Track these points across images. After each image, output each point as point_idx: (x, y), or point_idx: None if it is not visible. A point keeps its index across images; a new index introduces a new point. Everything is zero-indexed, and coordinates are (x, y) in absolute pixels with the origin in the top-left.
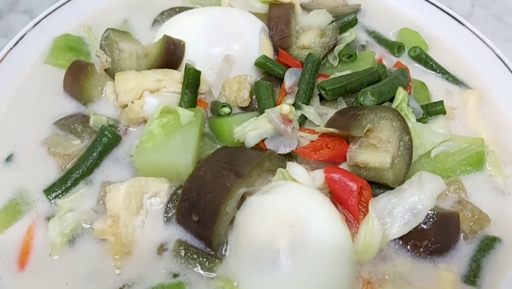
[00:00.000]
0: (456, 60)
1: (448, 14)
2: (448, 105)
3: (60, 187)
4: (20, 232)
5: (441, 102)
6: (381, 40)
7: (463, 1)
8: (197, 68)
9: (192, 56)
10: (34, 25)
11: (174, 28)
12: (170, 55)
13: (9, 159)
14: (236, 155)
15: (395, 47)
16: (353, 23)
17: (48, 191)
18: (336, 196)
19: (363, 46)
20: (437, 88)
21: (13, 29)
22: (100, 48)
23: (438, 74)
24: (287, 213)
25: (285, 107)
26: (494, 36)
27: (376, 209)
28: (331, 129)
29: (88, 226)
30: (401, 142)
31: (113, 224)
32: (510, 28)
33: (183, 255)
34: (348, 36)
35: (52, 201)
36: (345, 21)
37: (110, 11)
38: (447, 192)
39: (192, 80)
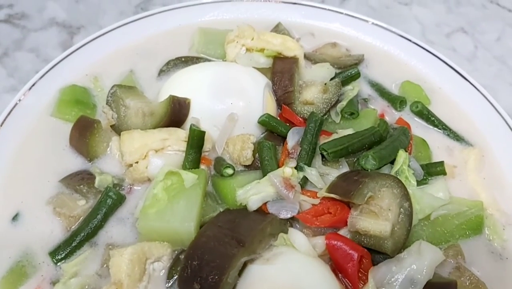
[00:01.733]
0: (457, 114)
1: (450, 67)
2: (449, 163)
3: (65, 250)
4: None
5: (441, 163)
6: (383, 93)
7: (467, 43)
8: (202, 125)
9: (196, 112)
10: (41, 77)
11: (180, 84)
12: (175, 114)
13: (15, 218)
14: (238, 220)
15: (397, 102)
16: (355, 77)
17: (53, 254)
18: (336, 263)
19: (365, 100)
20: (438, 145)
21: (19, 68)
22: (107, 104)
23: (439, 130)
24: (287, 286)
25: (288, 170)
26: (497, 80)
27: (375, 278)
28: (333, 195)
29: None
30: (401, 209)
31: None
32: None
33: None
34: (351, 90)
35: (57, 265)
36: (348, 75)
37: (116, 60)
38: (445, 258)
39: (197, 140)
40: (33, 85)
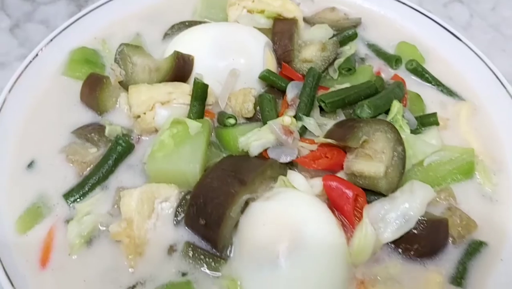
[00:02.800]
0: (451, 72)
1: (444, 28)
2: (442, 116)
3: (78, 192)
4: (42, 234)
5: (434, 114)
6: (379, 53)
7: (463, 12)
8: (205, 81)
9: (200, 69)
10: (52, 39)
11: (184, 43)
12: (180, 69)
13: (30, 165)
14: (240, 163)
15: (393, 60)
16: (353, 37)
17: (67, 196)
18: (333, 203)
19: (362, 59)
20: (432, 100)
21: (30, 38)
22: (115, 62)
23: (433, 86)
24: (287, 218)
25: (287, 119)
26: (491, 47)
27: (370, 215)
28: (330, 140)
29: (104, 228)
30: (394, 153)
31: (127, 227)
32: (507, 38)
33: (191, 255)
34: (348, 49)
35: (70, 205)
36: (345, 35)
37: (123, 24)
38: (437, 199)
39: (200, 93)
40: (46, 45)
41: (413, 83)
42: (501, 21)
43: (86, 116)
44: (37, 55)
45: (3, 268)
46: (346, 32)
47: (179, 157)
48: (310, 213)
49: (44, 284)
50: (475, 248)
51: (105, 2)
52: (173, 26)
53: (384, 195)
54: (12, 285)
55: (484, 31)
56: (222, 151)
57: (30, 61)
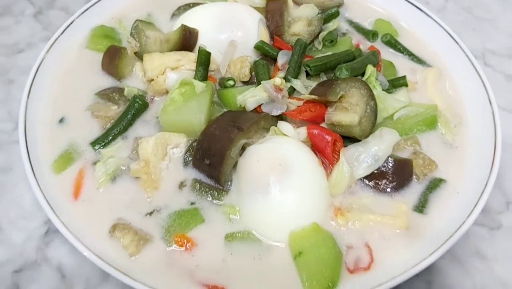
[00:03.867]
0: (421, 45)
1: (417, 8)
2: (411, 80)
3: (103, 141)
4: (74, 173)
5: (404, 77)
6: (359, 29)
7: None
8: (208, 50)
9: (204, 41)
10: (75, 19)
11: (189, 19)
12: (186, 40)
13: (61, 120)
14: (238, 115)
15: (370, 34)
16: (335, 15)
17: (93, 143)
18: (315, 146)
19: (344, 34)
20: (403, 67)
21: (52, 23)
22: (131, 35)
23: (405, 56)
24: (277, 155)
25: (277, 80)
26: (463, 26)
27: (346, 156)
28: (313, 96)
29: (125, 168)
30: (367, 106)
31: (145, 165)
32: (477, 19)
33: (198, 189)
34: (331, 25)
35: (96, 151)
36: (329, 13)
37: (136, 6)
38: (405, 146)
39: (204, 59)
40: (70, 24)
41: (387, 53)
42: (474, 4)
43: (107, 81)
44: (63, 32)
45: (46, 198)
46: (329, 11)
47: (187, 110)
48: (295, 152)
49: (78, 211)
50: (435, 184)
51: None
52: (179, 7)
53: (358, 140)
54: (53, 211)
55: (457, 13)
56: (223, 108)
57: (58, 37)
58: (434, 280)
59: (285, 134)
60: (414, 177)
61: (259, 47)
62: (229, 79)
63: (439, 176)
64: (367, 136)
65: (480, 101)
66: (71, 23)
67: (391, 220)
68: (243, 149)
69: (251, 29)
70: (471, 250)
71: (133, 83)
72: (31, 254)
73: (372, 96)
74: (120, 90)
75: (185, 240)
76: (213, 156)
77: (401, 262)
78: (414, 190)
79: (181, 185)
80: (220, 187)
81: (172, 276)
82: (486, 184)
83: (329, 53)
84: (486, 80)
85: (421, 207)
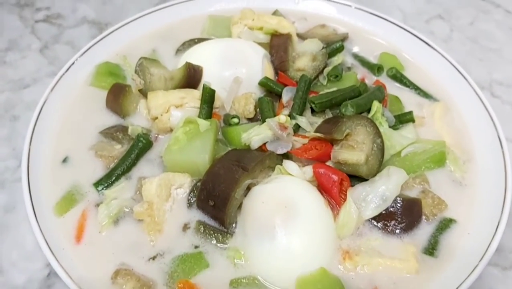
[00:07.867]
0: (427, 78)
1: (422, 41)
2: (418, 115)
3: (106, 181)
4: (76, 215)
5: (410, 112)
6: (364, 62)
7: (444, 27)
8: (212, 87)
9: (208, 78)
10: (80, 56)
11: (194, 56)
12: (191, 78)
13: (65, 160)
14: (243, 154)
15: (375, 68)
16: (340, 49)
17: (97, 184)
18: (321, 186)
19: (349, 68)
20: (409, 102)
21: (58, 58)
22: (135, 72)
23: (411, 90)
24: (282, 197)
25: (282, 117)
26: (470, 56)
27: (353, 196)
28: (318, 134)
29: (128, 210)
30: (374, 144)
31: (148, 207)
32: (483, 49)
33: (202, 231)
34: (336, 60)
35: (100, 192)
36: (333, 48)
37: (140, 42)
38: (413, 184)
39: (209, 97)
40: (75, 61)
41: (393, 88)
42: (479, 33)
43: (111, 119)
44: (67, 69)
45: (46, 242)
46: (334, 45)
47: (191, 150)
48: (302, 192)
49: (79, 255)
50: (445, 224)
51: (124, 24)
52: (184, 43)
53: (365, 179)
54: (54, 256)
55: (463, 43)
56: (227, 146)
57: (63, 74)
58: None
59: (290, 174)
60: (424, 217)
61: (264, 83)
62: (233, 116)
63: (449, 216)
64: (374, 175)
65: (488, 136)
66: (76, 59)
67: (400, 264)
68: (248, 188)
69: (255, 65)
70: None
71: (138, 121)
72: None
73: (378, 134)
74: (124, 129)
75: (188, 288)
76: (218, 197)
77: None
78: (424, 231)
79: (185, 227)
80: (225, 229)
81: None
82: (498, 224)
83: (334, 88)
84: (493, 113)
85: (431, 249)
